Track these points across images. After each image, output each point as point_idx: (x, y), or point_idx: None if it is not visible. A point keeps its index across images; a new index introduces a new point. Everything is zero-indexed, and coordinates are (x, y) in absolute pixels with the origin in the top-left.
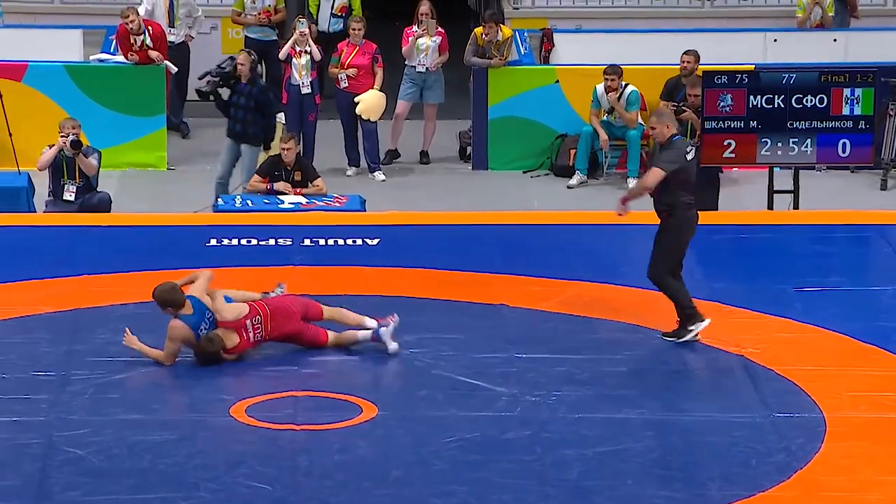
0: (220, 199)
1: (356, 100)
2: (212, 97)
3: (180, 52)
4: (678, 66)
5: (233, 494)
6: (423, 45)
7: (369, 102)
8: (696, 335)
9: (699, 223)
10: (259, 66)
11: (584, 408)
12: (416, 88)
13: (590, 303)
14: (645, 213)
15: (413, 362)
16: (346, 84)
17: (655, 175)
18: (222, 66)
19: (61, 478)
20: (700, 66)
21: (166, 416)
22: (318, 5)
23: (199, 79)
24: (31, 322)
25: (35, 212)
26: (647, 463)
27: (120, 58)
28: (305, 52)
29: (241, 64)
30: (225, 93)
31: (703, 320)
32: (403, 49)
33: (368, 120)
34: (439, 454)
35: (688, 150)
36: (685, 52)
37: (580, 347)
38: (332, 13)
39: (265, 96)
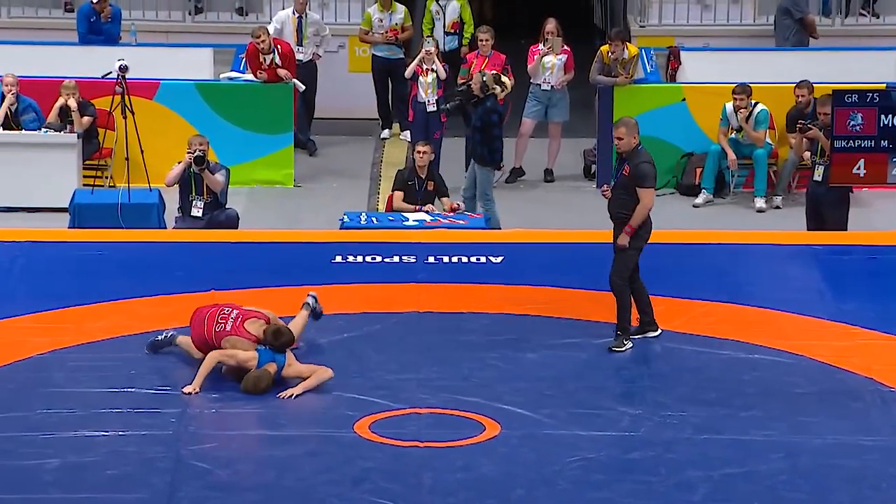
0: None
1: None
2: (449, 112)
3: (308, 71)
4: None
5: None
6: (549, 63)
7: None
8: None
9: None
10: (491, 86)
11: (709, 429)
12: (541, 106)
13: (714, 322)
14: (775, 232)
15: (536, 380)
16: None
17: (651, 195)
18: (462, 85)
19: (189, 492)
20: (830, 85)
21: (292, 431)
22: (432, 27)
23: (446, 96)
24: None
25: (165, 228)
26: (775, 485)
27: (249, 76)
28: (432, 70)
29: (473, 84)
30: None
31: (630, 342)
32: (529, 67)
33: None
34: (563, 473)
35: (651, 160)
36: (797, 86)
37: (704, 367)
38: (444, 31)
39: (489, 118)
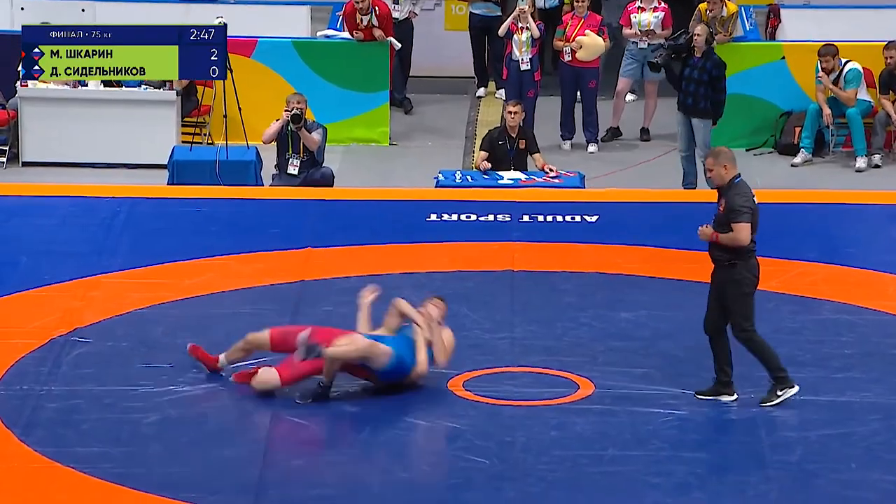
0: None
1: (577, 38)
2: (664, 70)
3: (404, 29)
4: None
5: (452, 467)
6: (645, 21)
7: (588, 42)
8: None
9: None
10: (712, 39)
11: (806, 390)
12: (638, 65)
13: (813, 283)
14: (875, 192)
15: (630, 340)
16: (570, 57)
17: (744, 231)
18: (675, 39)
19: (286, 446)
20: None
21: (386, 388)
22: None
23: (653, 51)
24: (257, 293)
25: (262, 185)
26: (872, 447)
27: (346, 34)
28: (526, 28)
29: (698, 35)
30: (677, 66)
31: (793, 385)
32: (624, 28)
33: (576, 52)
34: (657, 433)
35: (753, 195)
36: (885, 47)
37: (802, 328)
38: None
39: (718, 70)
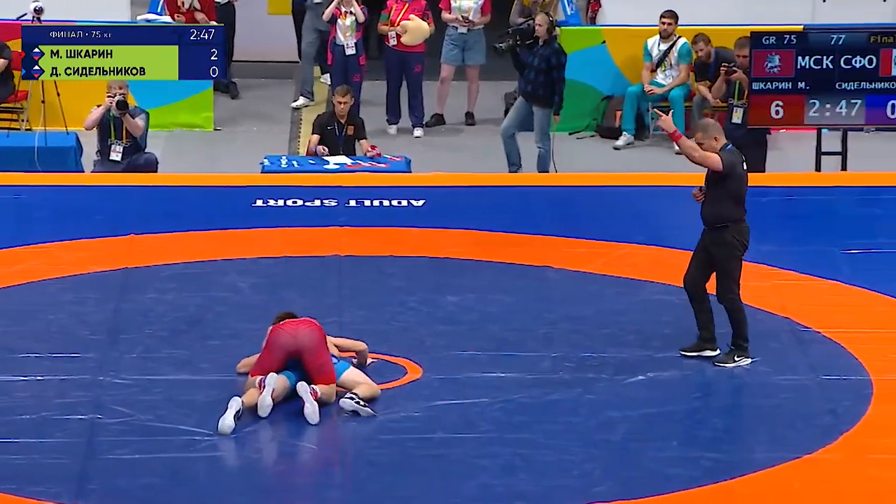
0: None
1: (402, 22)
2: (506, 53)
3: (226, 12)
4: (728, 28)
5: (281, 452)
6: (466, 6)
7: (412, 27)
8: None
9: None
10: (556, 27)
11: (628, 370)
12: (458, 50)
13: (635, 265)
14: (695, 174)
15: (458, 324)
16: (395, 42)
17: (713, 161)
18: (521, 25)
19: (109, 436)
20: (748, 27)
21: (213, 375)
22: None
23: (499, 36)
24: (79, 281)
25: (83, 172)
26: (692, 424)
27: (167, 18)
28: (350, 13)
29: (539, 24)
30: (523, 53)
31: (748, 357)
32: (444, 12)
33: (401, 36)
34: (484, 415)
35: (742, 161)
36: (693, 42)
37: (625, 309)
38: None
39: (557, 58)
